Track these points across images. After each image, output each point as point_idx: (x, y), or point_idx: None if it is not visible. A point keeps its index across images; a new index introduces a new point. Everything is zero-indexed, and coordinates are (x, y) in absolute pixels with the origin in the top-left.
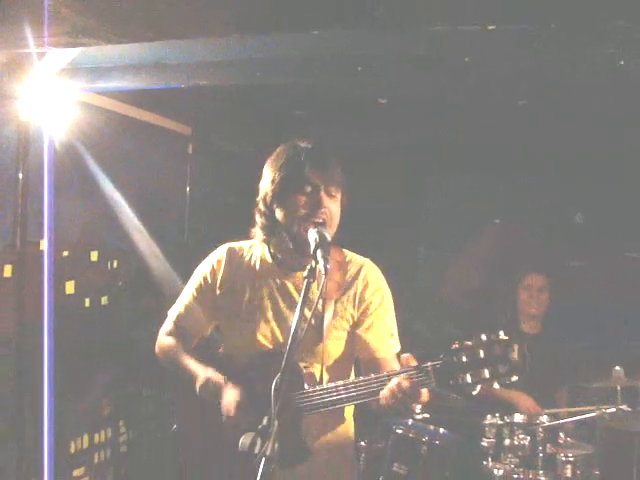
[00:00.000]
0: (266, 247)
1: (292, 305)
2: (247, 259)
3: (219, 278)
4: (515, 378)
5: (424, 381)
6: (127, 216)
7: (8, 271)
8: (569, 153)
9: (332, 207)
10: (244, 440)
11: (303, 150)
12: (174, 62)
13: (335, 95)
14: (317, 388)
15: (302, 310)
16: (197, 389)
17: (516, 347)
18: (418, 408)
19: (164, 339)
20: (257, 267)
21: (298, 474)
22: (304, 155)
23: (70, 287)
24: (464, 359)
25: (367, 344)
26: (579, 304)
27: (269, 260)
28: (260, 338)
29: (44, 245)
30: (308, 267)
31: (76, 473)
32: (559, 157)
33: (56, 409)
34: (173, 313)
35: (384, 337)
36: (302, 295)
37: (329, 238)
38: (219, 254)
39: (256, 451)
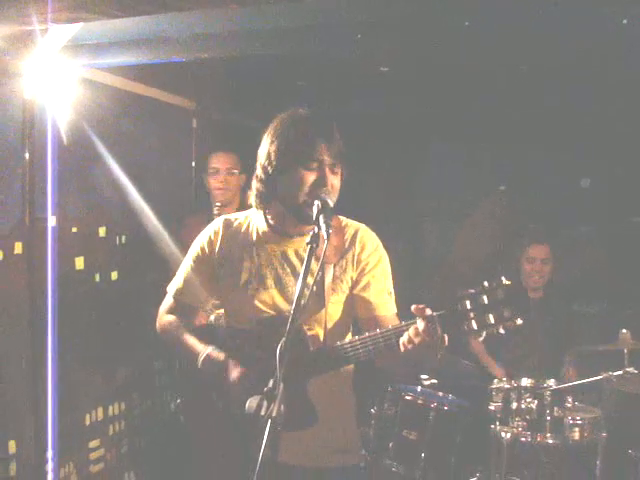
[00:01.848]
0: (262, 214)
1: (291, 271)
2: (244, 228)
3: (217, 248)
4: (520, 321)
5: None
6: (133, 191)
7: (19, 248)
8: (572, 117)
9: (334, 182)
10: (250, 403)
11: (307, 121)
12: (174, 35)
13: (336, 64)
14: (323, 348)
15: (305, 276)
16: (199, 365)
17: (519, 291)
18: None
19: (165, 317)
20: (254, 235)
21: (304, 438)
22: (310, 127)
23: (80, 263)
24: (468, 306)
25: (366, 302)
26: (585, 268)
27: (266, 227)
28: (260, 305)
29: (49, 222)
30: (311, 233)
31: (92, 445)
32: (562, 122)
33: (70, 382)
34: (172, 288)
35: (382, 295)
36: (305, 261)
37: (331, 204)
38: (215, 225)
39: (262, 413)
